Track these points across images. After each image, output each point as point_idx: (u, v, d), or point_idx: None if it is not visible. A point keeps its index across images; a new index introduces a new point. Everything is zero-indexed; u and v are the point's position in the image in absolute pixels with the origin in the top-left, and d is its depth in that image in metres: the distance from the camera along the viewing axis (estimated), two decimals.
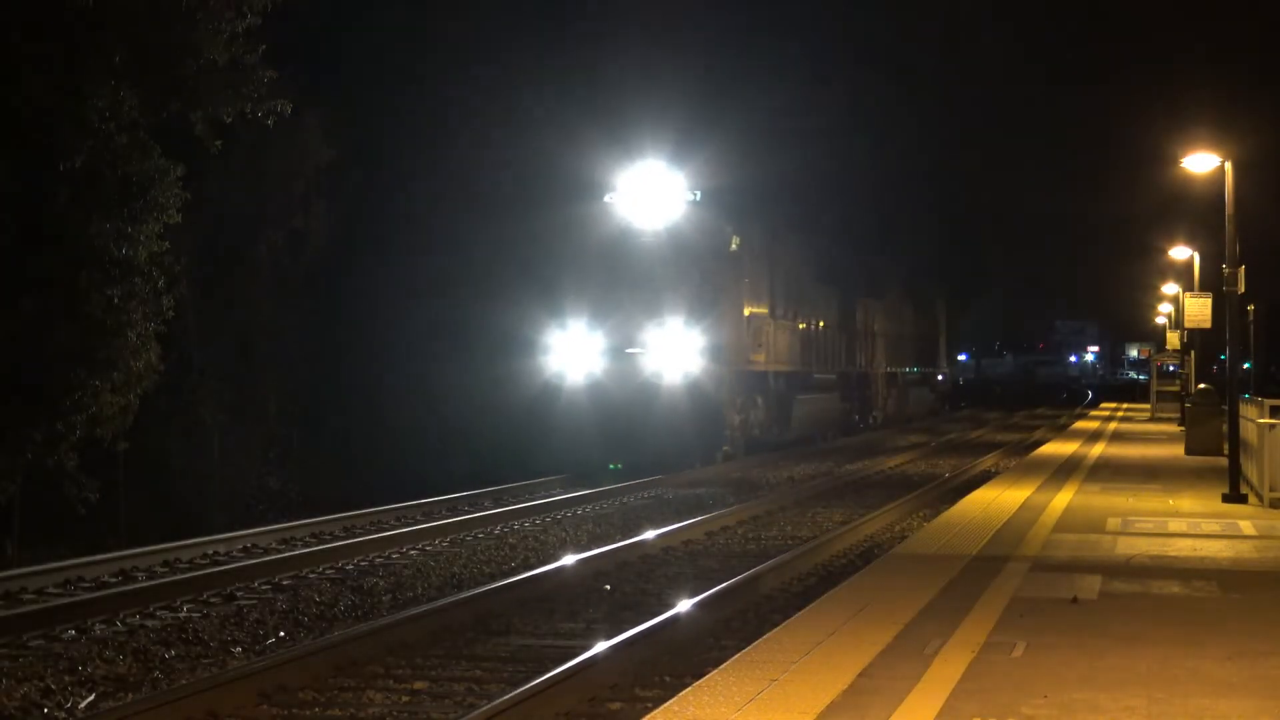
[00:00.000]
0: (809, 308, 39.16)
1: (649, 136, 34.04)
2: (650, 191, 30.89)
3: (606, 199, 31.04)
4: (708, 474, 29.72)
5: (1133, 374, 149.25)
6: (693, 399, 29.61)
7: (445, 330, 36.95)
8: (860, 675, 8.77)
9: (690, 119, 43.01)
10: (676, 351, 29.66)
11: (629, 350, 29.88)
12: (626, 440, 29.26)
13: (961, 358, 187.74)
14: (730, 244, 32.07)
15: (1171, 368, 59.61)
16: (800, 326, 38.00)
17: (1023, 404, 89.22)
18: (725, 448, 31.94)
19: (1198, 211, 40.35)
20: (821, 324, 40.79)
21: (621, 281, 30.14)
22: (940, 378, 65.89)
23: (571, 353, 30.09)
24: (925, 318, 60.66)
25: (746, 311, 32.62)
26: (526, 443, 30.60)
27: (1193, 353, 49.86)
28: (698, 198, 31.28)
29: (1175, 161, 22.84)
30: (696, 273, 30.36)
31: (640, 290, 29.98)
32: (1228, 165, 21.13)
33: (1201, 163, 22.02)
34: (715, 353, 30.25)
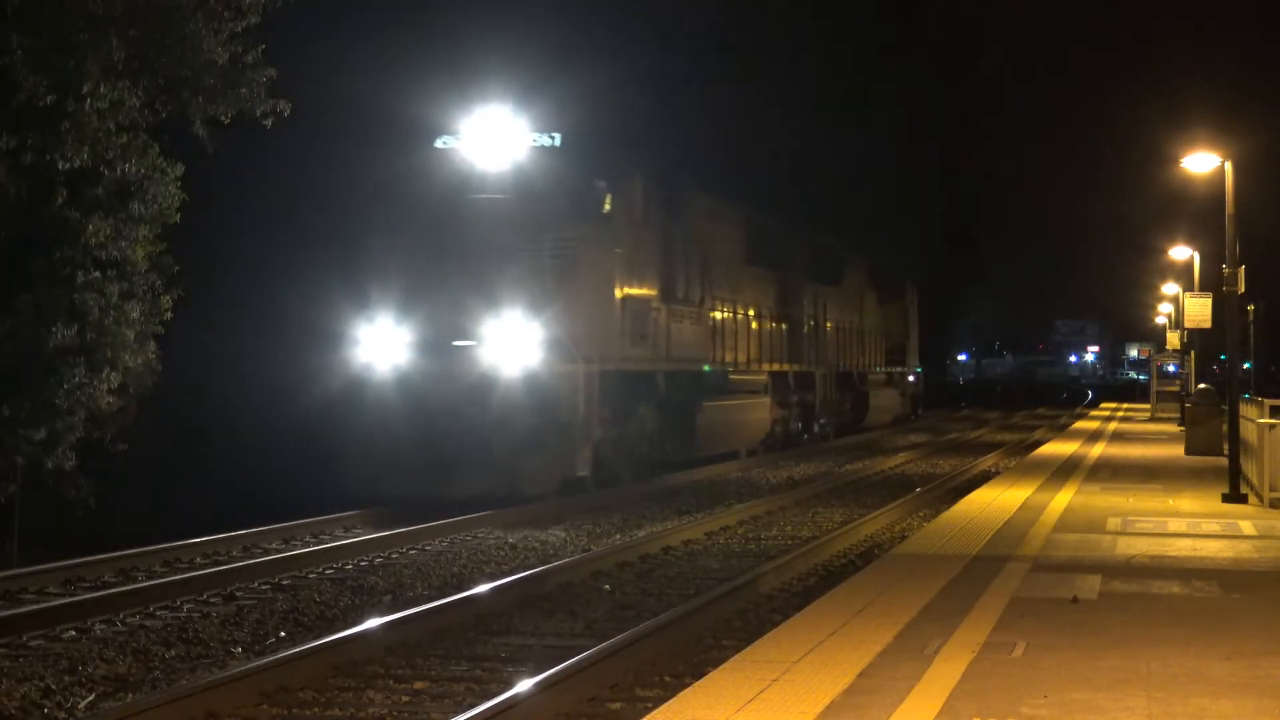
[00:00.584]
0: (730, 292, 31.54)
1: (498, 61, 26.78)
2: (492, 134, 23.59)
3: (439, 144, 23.82)
4: (552, 508, 22.66)
5: (1133, 374, 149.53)
6: (535, 407, 22.17)
7: (230, 320, 28.15)
8: (860, 675, 8.77)
9: (559, 40, 35.59)
10: (516, 345, 22.35)
11: (458, 344, 22.50)
12: (450, 463, 21.63)
13: (961, 357, 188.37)
14: (603, 204, 24.48)
15: (1172, 368, 59.67)
16: (713, 315, 30.20)
17: (1023, 404, 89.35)
18: (583, 472, 23.78)
19: (1198, 211, 40.45)
20: (750, 312, 33.21)
21: (450, 254, 22.65)
22: (910, 378, 57.60)
23: (383, 347, 22.81)
24: (892, 309, 52.93)
25: (622, 293, 24.80)
26: (326, 464, 23.23)
27: (1193, 353, 49.92)
28: (557, 142, 23.89)
29: (1175, 161, 22.88)
30: (549, 241, 22.84)
31: (473, 264, 22.58)
32: (1228, 165, 21.14)
33: (1201, 163, 22.05)
34: (569, 346, 22.67)
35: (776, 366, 35.76)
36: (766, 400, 34.87)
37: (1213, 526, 17.26)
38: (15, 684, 11.09)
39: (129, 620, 13.70)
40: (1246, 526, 17.29)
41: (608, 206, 24.65)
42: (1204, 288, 36.07)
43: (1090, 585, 12.44)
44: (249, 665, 11.26)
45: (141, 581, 15.77)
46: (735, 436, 32.77)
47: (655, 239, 26.63)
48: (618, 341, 24.60)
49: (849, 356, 44.78)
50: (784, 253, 36.87)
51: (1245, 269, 21.37)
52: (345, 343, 22.96)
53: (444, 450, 21.67)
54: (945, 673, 8.84)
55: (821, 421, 41.41)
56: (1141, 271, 78.95)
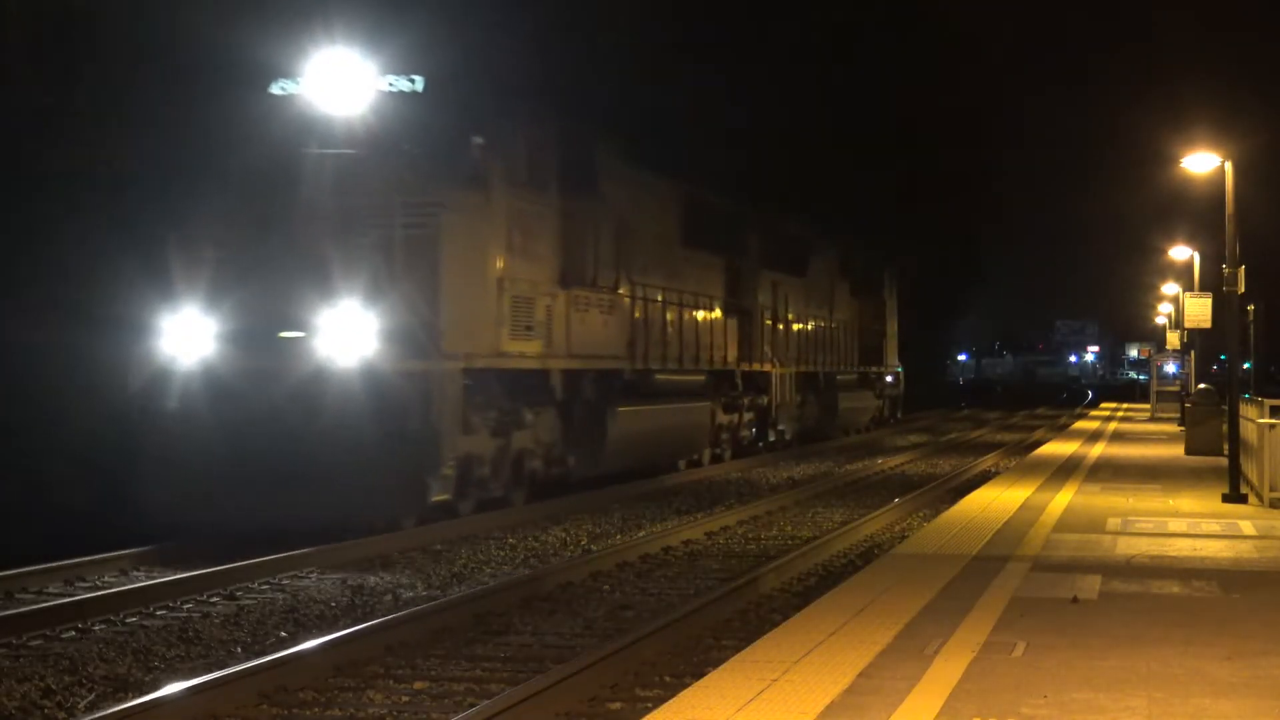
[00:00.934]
0: (663, 278, 27.29)
1: None
2: (340, 76, 19.40)
3: (276, 89, 19.58)
4: (398, 541, 18.53)
5: (1133, 374, 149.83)
6: (374, 414, 17.92)
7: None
8: (860, 675, 8.77)
9: None
10: (353, 336, 18.18)
11: (284, 335, 18.43)
12: (271, 484, 17.61)
13: (961, 357, 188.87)
14: (476, 164, 20.00)
15: (1172, 368, 59.70)
16: (636, 303, 25.75)
17: (1023, 404, 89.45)
18: (442, 495, 19.22)
19: (1198, 211, 40.46)
20: (689, 303, 28.79)
21: (277, 222, 18.50)
22: (889, 379, 52.19)
23: (191, 340, 18.57)
24: (868, 302, 47.93)
25: (500, 274, 20.35)
26: (115, 481, 19.16)
27: (1193, 353, 49.95)
28: (419, 86, 19.78)
29: (1175, 161, 22.90)
30: (401, 207, 18.54)
31: (305, 235, 18.41)
32: (1228, 165, 21.16)
33: (1201, 163, 22.07)
34: (422, 337, 18.52)
35: (721, 365, 31.11)
36: (707, 404, 30.48)
37: (1213, 526, 17.26)
38: (15, 684, 11.09)
39: (129, 620, 13.70)
40: (1246, 526, 17.29)
41: (483, 167, 20.11)
42: (1204, 288, 36.10)
43: (1090, 585, 12.44)
44: (250, 665, 11.24)
45: (141, 581, 15.76)
46: (664, 447, 28.10)
47: (550, 210, 22.16)
48: (493, 333, 20.20)
49: (815, 354, 40.03)
50: (735, 236, 32.58)
51: (1245, 269, 21.38)
52: (146, 334, 18.71)
53: (263, 468, 17.67)
54: (945, 673, 8.83)
55: (780, 428, 36.67)
56: (1141, 271, 79.14)
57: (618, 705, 10.42)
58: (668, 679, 11.09)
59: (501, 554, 18.48)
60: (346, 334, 18.19)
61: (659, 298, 27.09)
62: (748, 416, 34.23)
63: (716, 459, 32.36)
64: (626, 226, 25.14)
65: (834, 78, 71.76)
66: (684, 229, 28.93)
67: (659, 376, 27.16)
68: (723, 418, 32.17)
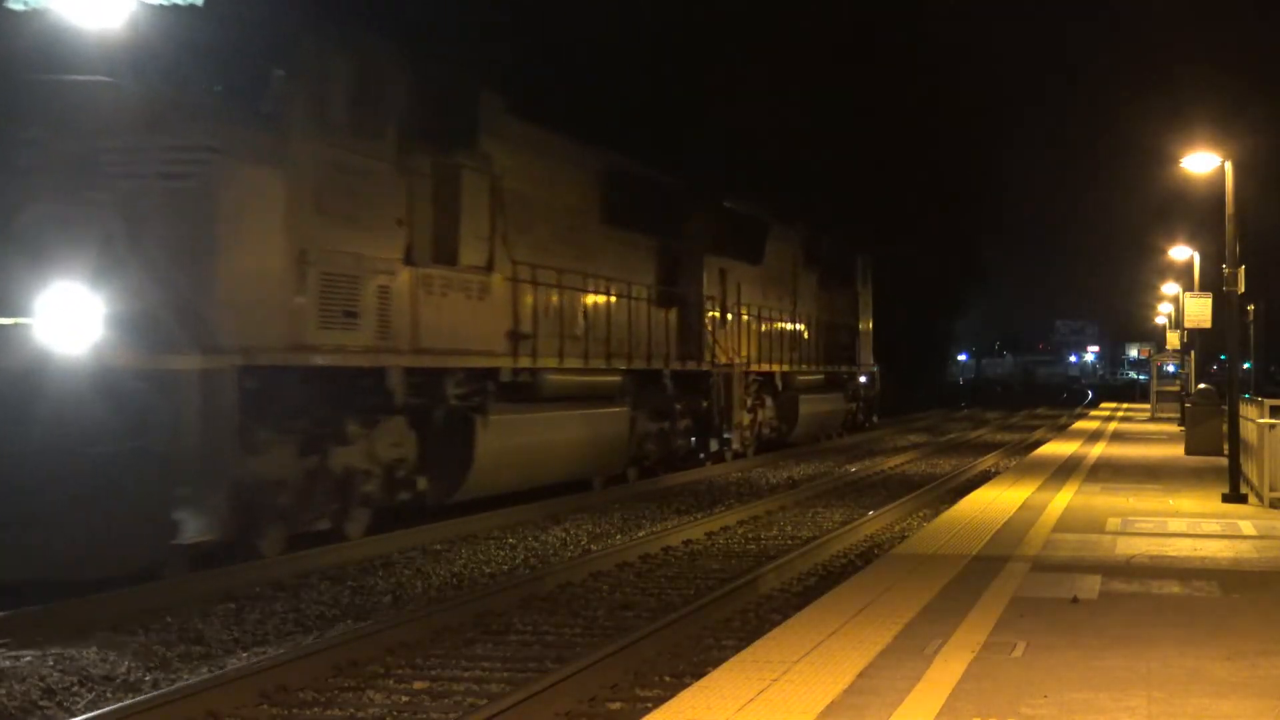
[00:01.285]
0: (573, 259, 23.24)
1: None
2: None
3: (15, 4, 15.36)
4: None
5: (1133, 374, 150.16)
6: (105, 428, 13.67)
7: None
8: (860, 675, 8.77)
9: None
10: (81, 323, 13.92)
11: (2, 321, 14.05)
12: None
13: (961, 357, 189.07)
14: (274, 98, 15.72)
15: (1172, 368, 59.76)
16: (520, 287, 21.18)
17: (1023, 404, 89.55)
18: (204, 535, 14.59)
19: (1198, 211, 40.49)
20: (605, 290, 24.65)
21: None
22: (862, 379, 47.09)
23: None
24: (838, 294, 43.28)
25: (304, 243, 15.81)
26: None
27: (1193, 353, 50.01)
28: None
29: (1175, 161, 22.92)
30: (160, 152, 14.56)
31: (26, 189, 14.19)
32: (1228, 165, 21.17)
33: (1201, 163, 22.09)
34: (174, 325, 14.26)
35: (644, 364, 26.43)
36: (624, 410, 25.55)
37: (1213, 526, 17.27)
38: (15, 684, 11.08)
39: (129, 620, 13.68)
40: (1246, 526, 17.29)
41: (282, 105, 15.75)
42: (1204, 288, 36.12)
43: (1090, 585, 12.44)
44: (250, 665, 11.25)
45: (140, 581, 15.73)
46: (561, 462, 23.14)
47: (390, 167, 17.61)
48: (292, 320, 15.71)
49: (771, 352, 35.26)
50: (674, 216, 28.33)
51: (1245, 269, 21.40)
52: None
53: None
54: (945, 673, 8.84)
55: (725, 435, 31.86)
56: (1141, 271, 79.29)
57: (618, 705, 10.42)
58: (668, 679, 11.09)
59: (501, 554, 18.49)
60: (67, 320, 13.95)
61: (557, 281, 22.58)
62: (682, 424, 29.37)
63: (647, 474, 27.82)
64: (516, 195, 20.94)
65: (835, 77, 71.77)
66: (605, 204, 24.90)
67: (553, 377, 22.51)
68: (647, 426, 27.32)
